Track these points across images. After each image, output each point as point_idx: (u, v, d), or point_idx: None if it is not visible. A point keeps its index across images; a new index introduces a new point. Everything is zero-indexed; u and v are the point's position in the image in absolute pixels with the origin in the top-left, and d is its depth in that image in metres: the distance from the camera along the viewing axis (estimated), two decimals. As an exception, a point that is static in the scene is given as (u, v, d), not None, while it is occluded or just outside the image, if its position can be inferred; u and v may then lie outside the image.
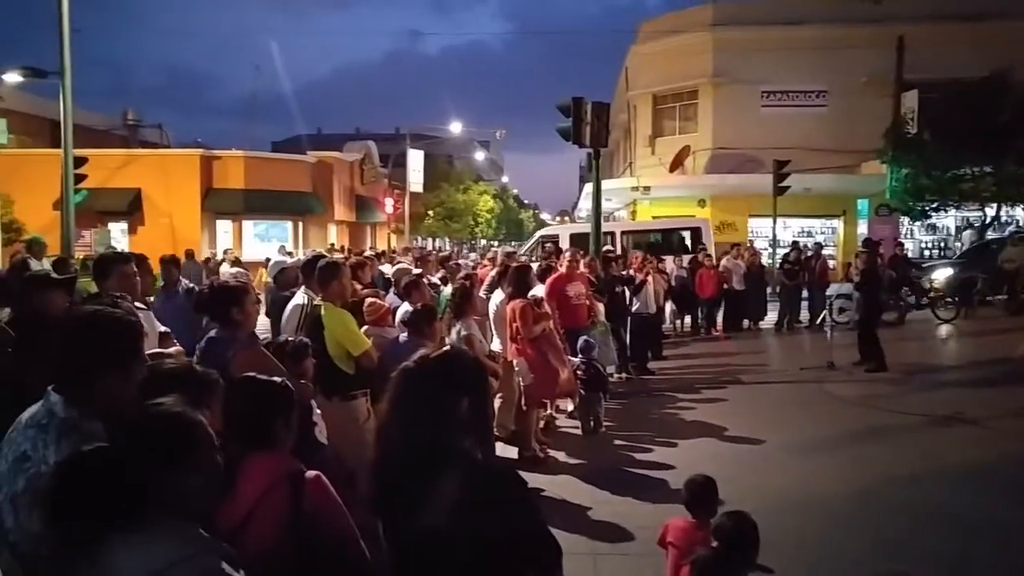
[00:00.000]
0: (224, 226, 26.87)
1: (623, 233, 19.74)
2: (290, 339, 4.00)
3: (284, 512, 2.02)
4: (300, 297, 4.93)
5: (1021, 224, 21.32)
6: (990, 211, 17.94)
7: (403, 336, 5.08)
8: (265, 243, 26.14)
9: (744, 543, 2.86)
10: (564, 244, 17.60)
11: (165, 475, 1.54)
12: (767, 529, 3.02)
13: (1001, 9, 22.22)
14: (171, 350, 3.74)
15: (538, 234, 22.03)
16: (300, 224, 28.51)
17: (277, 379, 2.38)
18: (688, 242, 18.26)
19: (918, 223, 21.51)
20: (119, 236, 24.54)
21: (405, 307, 5.64)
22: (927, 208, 18.66)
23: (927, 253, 23.95)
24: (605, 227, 20.87)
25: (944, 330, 13.51)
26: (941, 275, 15.67)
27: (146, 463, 1.53)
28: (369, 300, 5.45)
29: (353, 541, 2.12)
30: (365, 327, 4.97)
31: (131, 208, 25.04)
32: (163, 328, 4.04)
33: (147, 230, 24.95)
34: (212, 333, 3.54)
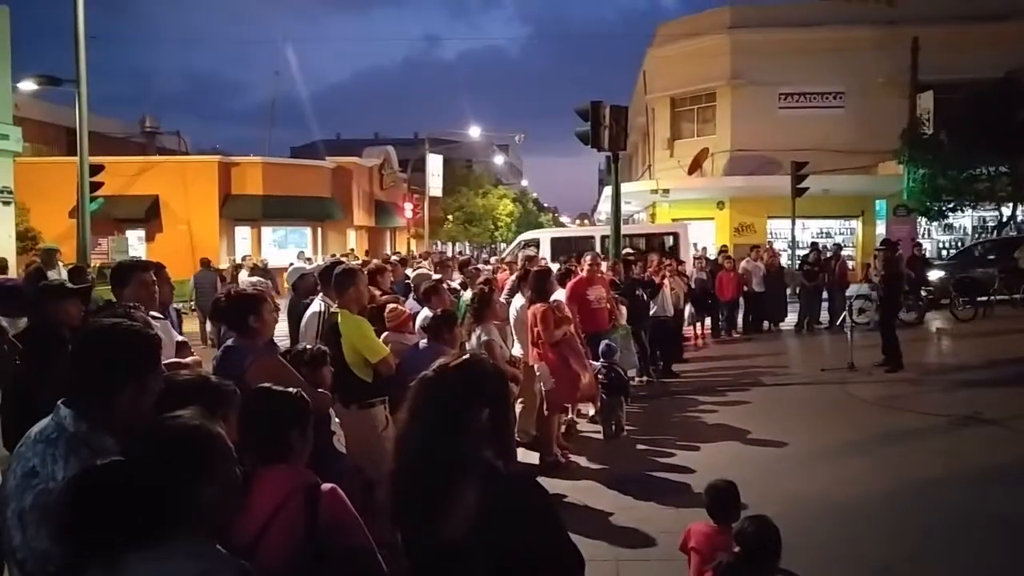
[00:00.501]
0: (243, 232, 27.15)
1: (603, 238, 19.63)
2: (308, 347, 3.99)
3: (299, 526, 2.00)
4: (317, 304, 4.92)
5: None
6: (1006, 211, 17.73)
7: (423, 342, 5.06)
8: (284, 249, 26.34)
9: (766, 548, 2.84)
10: (545, 248, 17.80)
11: (182, 489, 1.51)
12: (789, 533, 2.99)
13: (1016, 9, 21.95)
14: (188, 360, 3.74)
15: (520, 238, 22.07)
16: (319, 230, 28.74)
17: (292, 390, 2.34)
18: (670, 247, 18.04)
19: (935, 223, 21.30)
20: (136, 244, 24.84)
21: (425, 312, 5.62)
22: (944, 208, 18.47)
23: (944, 253, 23.65)
24: (586, 231, 20.93)
25: (961, 330, 13.31)
26: (933, 276, 15.72)
27: (163, 477, 1.50)
28: (390, 306, 5.45)
29: (370, 554, 2.09)
30: (385, 333, 4.96)
31: (148, 215, 25.38)
32: (180, 337, 4.03)
33: (165, 237, 25.28)
34: (229, 342, 3.53)
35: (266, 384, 2.32)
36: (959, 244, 24.53)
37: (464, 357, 1.90)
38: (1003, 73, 16.97)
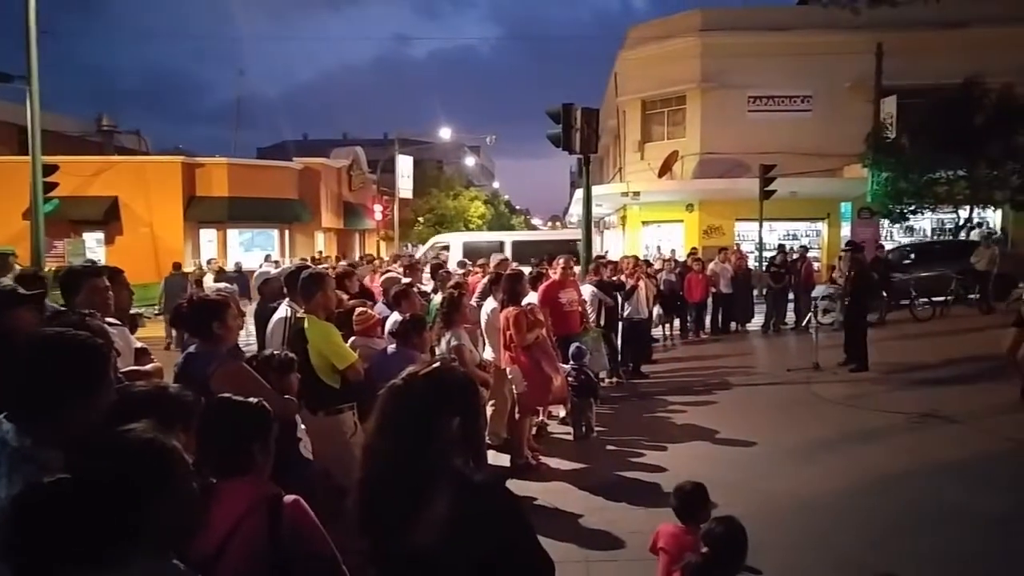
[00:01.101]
0: (208, 235, 26.64)
1: (514, 243, 19.83)
2: (276, 353, 3.92)
3: (262, 539, 1.95)
4: (284, 310, 4.84)
5: (991, 226, 21.68)
6: (964, 213, 18.23)
7: (392, 347, 5.01)
8: (250, 252, 25.93)
9: (733, 549, 2.90)
10: (456, 252, 18.43)
11: (136, 506, 1.45)
12: (757, 530, 3.06)
13: (975, 17, 22.55)
14: (148, 367, 3.65)
15: (432, 240, 22.56)
16: (287, 232, 28.36)
17: (253, 400, 2.27)
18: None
19: (897, 225, 21.80)
20: (95, 246, 24.21)
21: (395, 317, 5.57)
22: (905, 211, 18.89)
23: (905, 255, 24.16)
24: (496, 236, 21.45)
25: (922, 329, 13.65)
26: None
27: (116, 494, 1.43)
28: (359, 310, 5.39)
29: (335, 565, 2.05)
30: (353, 338, 4.90)
31: (108, 217, 24.71)
32: (140, 344, 3.93)
33: (125, 240, 24.66)
34: (191, 348, 3.46)
35: (226, 394, 2.25)
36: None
37: (434, 365, 1.88)
38: (962, 79, 17.41)
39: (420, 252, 21.35)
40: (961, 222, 18.54)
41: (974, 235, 18.59)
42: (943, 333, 13.15)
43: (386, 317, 5.79)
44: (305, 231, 29.05)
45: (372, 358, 4.79)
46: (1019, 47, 22.17)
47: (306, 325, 4.15)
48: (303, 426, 3.74)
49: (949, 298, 15.08)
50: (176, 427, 2.05)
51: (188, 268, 22.56)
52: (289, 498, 2.04)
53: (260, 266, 15.87)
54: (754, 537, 2.91)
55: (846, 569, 4.19)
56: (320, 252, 25.53)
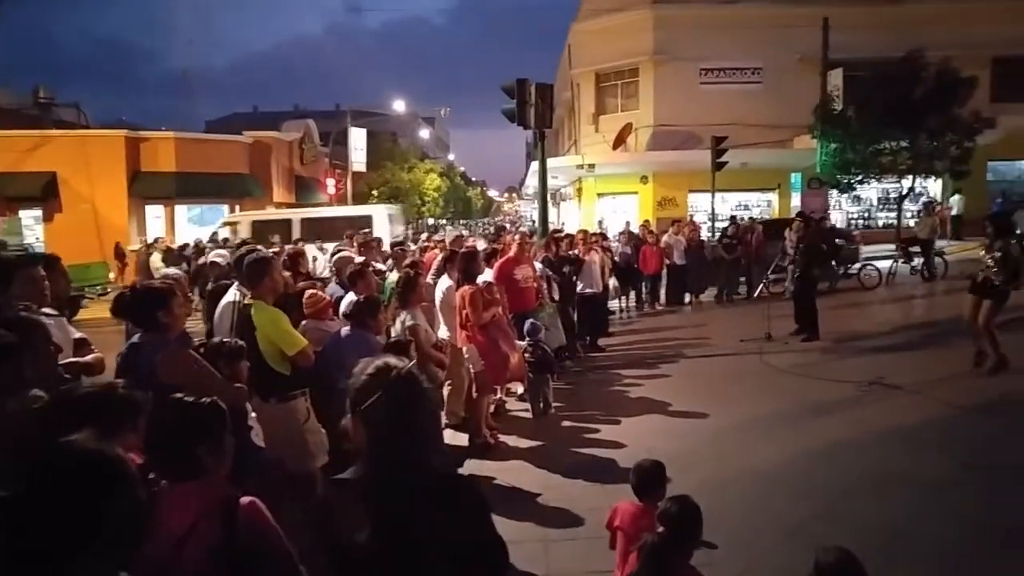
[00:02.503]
0: (155, 211, 25.81)
1: (303, 220, 19.86)
2: (225, 340, 3.82)
3: (216, 546, 1.89)
4: (232, 293, 4.70)
5: (931, 195, 22.47)
6: (907, 183, 18.79)
7: (345, 329, 4.94)
8: (202, 227, 25.22)
9: (688, 528, 2.94)
10: (244, 231, 18.64)
11: (80, 523, 1.36)
12: (710, 502, 3.11)
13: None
14: (88, 358, 3.51)
15: (220, 220, 22.42)
16: (237, 208, 27.60)
17: (204, 401, 2.17)
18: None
19: (845, 195, 22.35)
20: (32, 224, 23.27)
21: (350, 297, 5.47)
22: (852, 181, 19.38)
23: (854, 223, 24.89)
24: (285, 215, 21.60)
25: (869, 298, 14.12)
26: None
27: (58, 511, 1.35)
28: (309, 292, 5.28)
29: (290, 564, 2.01)
30: (304, 322, 4.80)
31: (45, 193, 23.68)
32: (79, 334, 3.76)
33: (65, 217, 23.70)
34: (135, 339, 3.34)
35: (176, 395, 2.14)
36: (866, 215, 25.95)
37: (408, 367, 1.87)
38: (903, 53, 17.81)
39: (214, 228, 21.04)
40: (904, 191, 19.10)
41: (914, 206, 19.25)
42: (889, 301, 13.58)
43: (339, 298, 5.69)
44: (256, 206, 28.30)
45: (325, 342, 4.71)
46: (955, 22, 22.85)
47: (253, 311, 4.04)
48: (254, 414, 3.67)
49: (894, 265, 15.64)
50: (125, 429, 1.98)
51: (134, 246, 21.85)
52: (245, 500, 1.98)
53: (206, 246, 15.39)
54: (706, 508, 2.97)
55: (795, 537, 4.32)
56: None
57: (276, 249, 8.96)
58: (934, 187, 23.19)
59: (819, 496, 5.03)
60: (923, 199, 21.08)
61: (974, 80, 17.54)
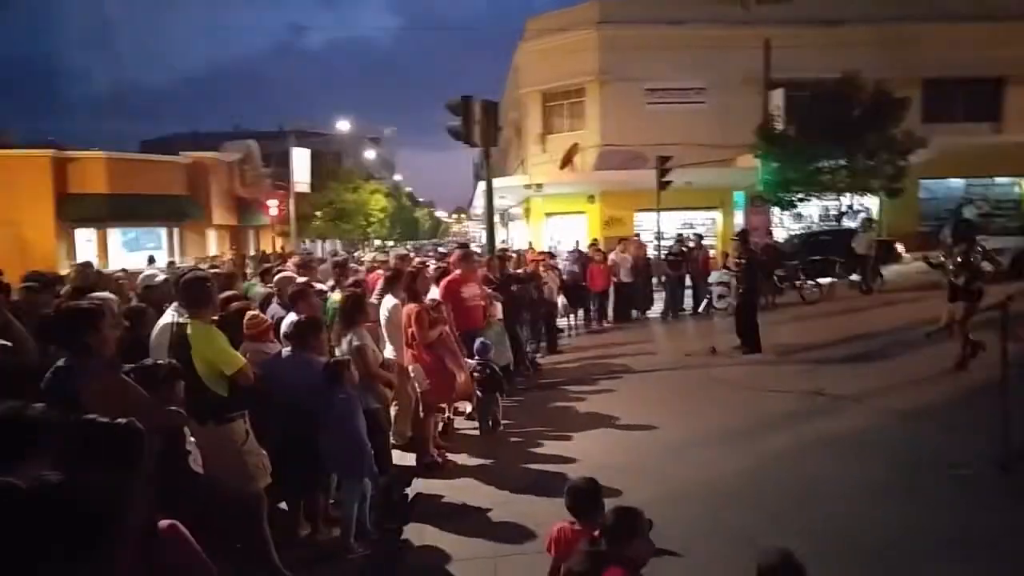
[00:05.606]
0: (85, 235, 24.81)
1: None
2: (159, 362, 3.67)
3: (137, 571, 1.79)
4: (169, 315, 4.54)
5: (868, 212, 23.42)
6: (845, 200, 19.49)
7: (286, 350, 4.81)
8: (136, 252, 24.38)
9: (624, 529, 2.71)
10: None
11: None
12: (659, 514, 3.06)
13: (853, 15, 24.13)
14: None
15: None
16: (175, 231, 26.86)
17: (120, 421, 2.05)
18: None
19: (787, 213, 23.08)
20: (-52, 249, 22.06)
21: (291, 318, 5.34)
22: (793, 199, 20.00)
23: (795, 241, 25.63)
24: None
25: (810, 311, 14.55)
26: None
27: None
28: (250, 314, 5.13)
29: None
30: (244, 343, 4.66)
31: (-36, 217, 22.58)
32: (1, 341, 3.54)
33: (-13, 241, 22.61)
34: (60, 362, 3.17)
35: (89, 416, 2.04)
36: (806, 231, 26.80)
37: None
38: (840, 73, 18.55)
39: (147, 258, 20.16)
40: (844, 209, 19.77)
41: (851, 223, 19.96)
42: (830, 314, 14.04)
43: (280, 319, 5.55)
44: (195, 229, 27.64)
45: (265, 363, 4.58)
46: (889, 45, 23.96)
47: (189, 331, 3.90)
48: (192, 439, 3.53)
49: (834, 280, 16.14)
50: (39, 449, 1.87)
51: (63, 271, 20.89)
52: (164, 524, 1.89)
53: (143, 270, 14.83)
54: (656, 520, 2.93)
55: (739, 545, 4.36)
56: (216, 255, 24.25)
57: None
58: (873, 203, 24.05)
59: (767, 505, 5.10)
60: (861, 216, 21.90)
61: (907, 101, 18.37)
